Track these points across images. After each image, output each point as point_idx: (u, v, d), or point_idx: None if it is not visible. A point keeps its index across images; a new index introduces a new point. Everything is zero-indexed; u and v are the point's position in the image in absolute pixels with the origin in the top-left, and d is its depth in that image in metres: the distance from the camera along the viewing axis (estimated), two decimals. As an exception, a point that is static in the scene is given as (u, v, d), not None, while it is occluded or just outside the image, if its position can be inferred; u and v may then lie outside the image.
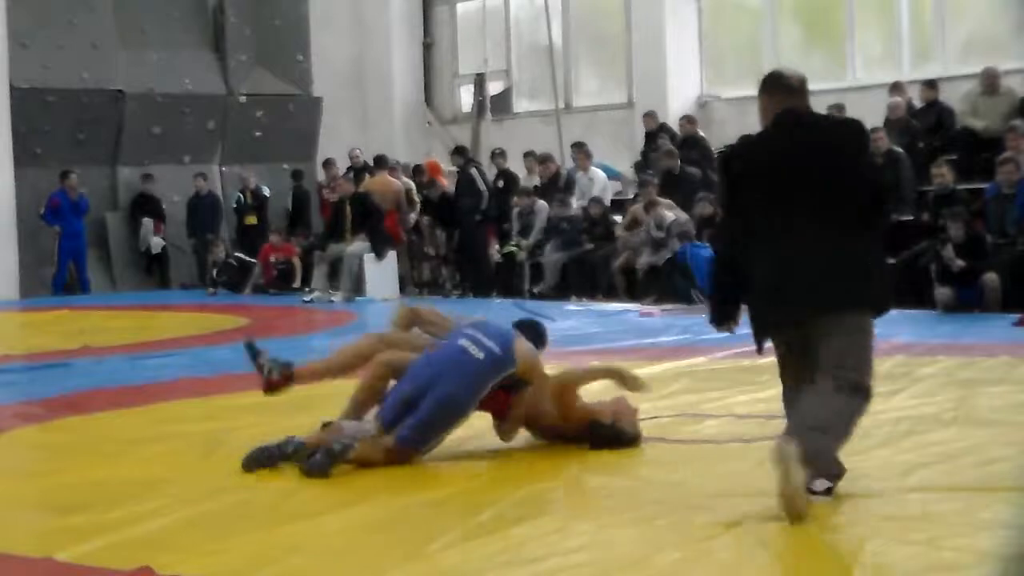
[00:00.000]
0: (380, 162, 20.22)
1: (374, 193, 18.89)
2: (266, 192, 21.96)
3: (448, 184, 19.84)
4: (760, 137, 5.74)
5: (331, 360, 7.13)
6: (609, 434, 6.72)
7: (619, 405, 6.88)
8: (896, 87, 17.46)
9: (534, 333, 6.96)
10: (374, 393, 6.77)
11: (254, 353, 6.99)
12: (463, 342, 6.60)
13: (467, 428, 7.24)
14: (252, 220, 21.67)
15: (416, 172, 20.36)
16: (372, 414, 6.67)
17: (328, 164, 21.75)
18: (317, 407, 7.23)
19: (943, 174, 14.56)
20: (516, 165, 20.03)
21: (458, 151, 20.01)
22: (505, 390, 6.62)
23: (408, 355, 6.80)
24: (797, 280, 5.50)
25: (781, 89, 5.69)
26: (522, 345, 6.68)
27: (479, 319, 7.07)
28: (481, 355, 6.53)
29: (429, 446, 6.49)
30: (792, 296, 5.52)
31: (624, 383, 6.94)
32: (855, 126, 5.76)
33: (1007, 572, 4.27)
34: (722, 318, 5.82)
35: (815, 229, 5.47)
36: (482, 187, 18.75)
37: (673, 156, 17.97)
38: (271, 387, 6.96)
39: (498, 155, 19.96)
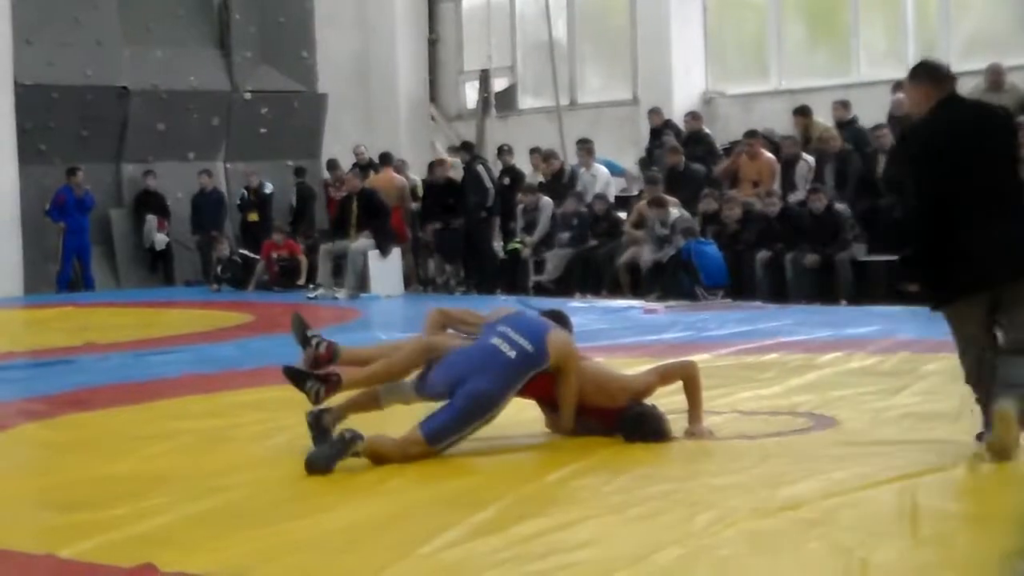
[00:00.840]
0: (385, 159, 20.22)
1: (379, 190, 18.91)
2: (268, 189, 21.95)
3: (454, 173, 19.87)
4: (934, 120, 6.26)
5: (376, 367, 6.77)
6: (649, 416, 6.73)
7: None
8: (900, 85, 17.43)
9: (562, 321, 6.99)
10: (404, 375, 6.79)
11: (303, 326, 6.81)
12: (495, 340, 6.62)
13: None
14: (254, 217, 21.68)
15: (431, 168, 20.27)
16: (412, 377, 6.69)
17: (332, 164, 21.74)
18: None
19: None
20: (521, 162, 20.04)
21: (464, 147, 20.01)
22: (545, 374, 6.66)
23: (449, 343, 6.83)
24: (993, 247, 6.05)
25: (941, 78, 6.34)
26: (556, 337, 6.71)
27: (511, 312, 7.06)
28: (513, 353, 6.56)
29: (452, 441, 6.47)
30: (991, 262, 6.05)
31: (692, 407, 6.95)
32: (1007, 113, 6.65)
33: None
34: (939, 284, 6.25)
35: (996, 202, 6.11)
36: (488, 184, 18.74)
37: (678, 152, 17.97)
38: (317, 361, 6.63)
39: (505, 152, 19.96)
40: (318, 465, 6.17)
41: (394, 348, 6.96)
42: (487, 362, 6.54)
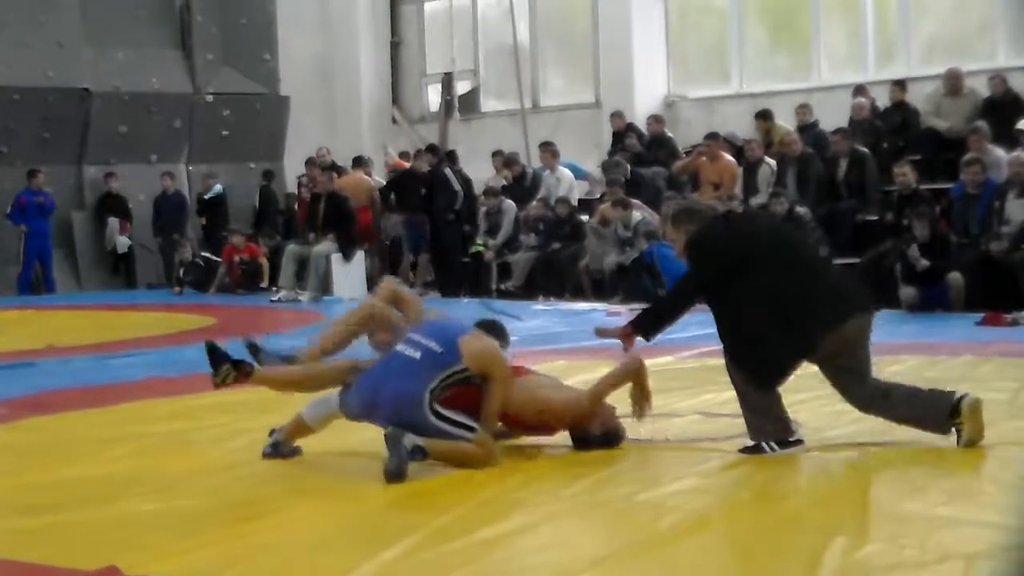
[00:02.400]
0: (357, 162, 20.21)
1: (347, 191, 18.90)
2: (214, 192, 21.75)
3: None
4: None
5: (294, 371, 6.82)
6: (597, 443, 6.72)
7: (602, 408, 6.87)
8: (860, 89, 17.57)
9: (494, 331, 6.92)
10: (350, 336, 6.92)
11: (254, 350, 6.80)
12: (400, 347, 6.55)
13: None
14: (203, 220, 21.64)
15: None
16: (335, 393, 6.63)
17: (311, 162, 21.54)
18: (285, 407, 7.20)
19: (905, 173, 14.64)
20: (484, 165, 20.05)
21: (430, 150, 20.01)
22: (475, 386, 6.62)
23: (394, 313, 6.92)
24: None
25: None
26: (471, 340, 6.60)
27: (433, 318, 6.97)
28: (417, 354, 6.46)
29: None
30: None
31: (638, 397, 6.91)
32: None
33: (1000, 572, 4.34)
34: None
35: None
36: (456, 187, 18.75)
37: (637, 156, 18.07)
38: (236, 380, 6.56)
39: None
40: (395, 476, 6.05)
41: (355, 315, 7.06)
42: (393, 368, 6.44)
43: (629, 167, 18.01)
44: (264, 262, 19.98)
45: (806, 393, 7.39)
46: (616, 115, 19.92)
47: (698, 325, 12.71)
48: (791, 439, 6.46)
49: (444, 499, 5.68)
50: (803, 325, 6.37)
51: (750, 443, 6.48)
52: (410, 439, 6.09)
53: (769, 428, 6.44)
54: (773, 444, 6.40)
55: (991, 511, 5.19)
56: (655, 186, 17.74)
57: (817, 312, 6.39)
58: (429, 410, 6.33)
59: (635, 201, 16.79)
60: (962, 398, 6.33)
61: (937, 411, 6.37)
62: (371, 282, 18.82)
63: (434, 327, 6.70)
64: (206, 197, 21.74)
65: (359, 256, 18.65)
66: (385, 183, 20.16)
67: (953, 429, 6.34)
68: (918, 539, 4.79)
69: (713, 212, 7.15)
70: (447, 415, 6.36)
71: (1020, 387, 8.19)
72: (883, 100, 17.22)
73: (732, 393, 8.12)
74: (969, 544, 4.68)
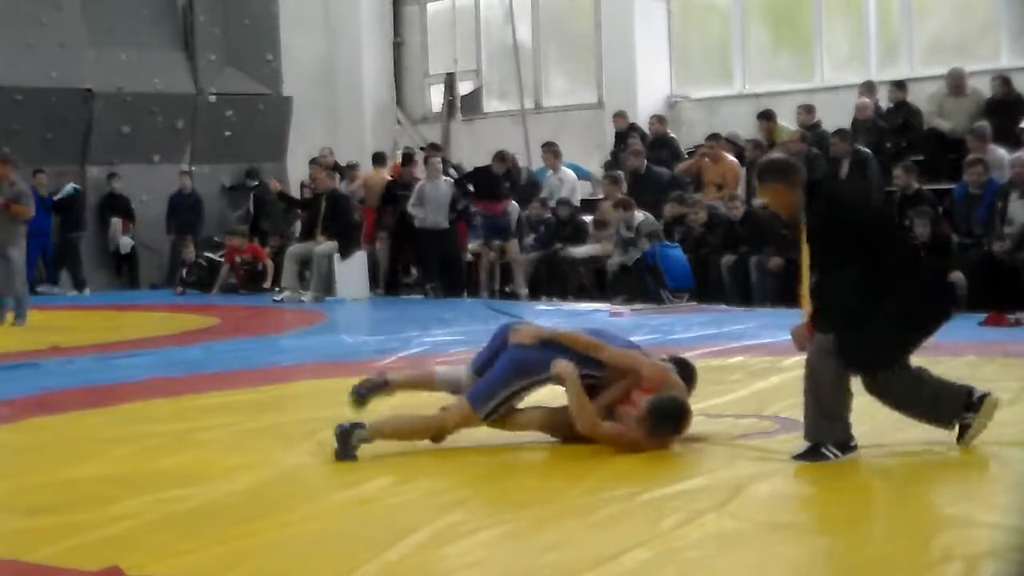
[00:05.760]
0: (377, 159, 20.19)
1: (369, 189, 18.93)
2: (68, 191, 21.28)
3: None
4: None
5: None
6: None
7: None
8: (868, 87, 17.55)
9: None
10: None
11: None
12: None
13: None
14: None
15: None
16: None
17: (315, 161, 21.45)
18: (285, 407, 7.22)
19: (900, 175, 14.63)
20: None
21: (433, 149, 19.98)
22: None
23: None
24: None
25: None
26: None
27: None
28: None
29: (495, 403, 6.65)
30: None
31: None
32: None
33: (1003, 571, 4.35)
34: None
35: None
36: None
37: (640, 155, 17.99)
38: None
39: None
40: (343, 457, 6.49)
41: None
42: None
43: (646, 162, 17.93)
44: (269, 263, 19.98)
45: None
46: (619, 115, 19.91)
47: (700, 326, 12.77)
48: (851, 443, 6.22)
49: (445, 499, 5.69)
50: (928, 310, 6.26)
51: (804, 447, 6.21)
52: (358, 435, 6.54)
53: (839, 429, 6.19)
54: (835, 450, 6.16)
55: (993, 511, 5.19)
56: (659, 184, 17.69)
57: (935, 301, 6.35)
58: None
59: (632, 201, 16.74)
60: (985, 395, 6.26)
61: (952, 404, 6.29)
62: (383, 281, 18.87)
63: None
64: (56, 199, 21.44)
65: (360, 256, 18.63)
66: (460, 176, 19.91)
67: (957, 424, 6.30)
68: (920, 539, 4.80)
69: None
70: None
71: (1023, 387, 8.18)
72: (884, 100, 17.21)
73: (734, 395, 8.13)
74: (971, 544, 4.68)
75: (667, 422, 6.55)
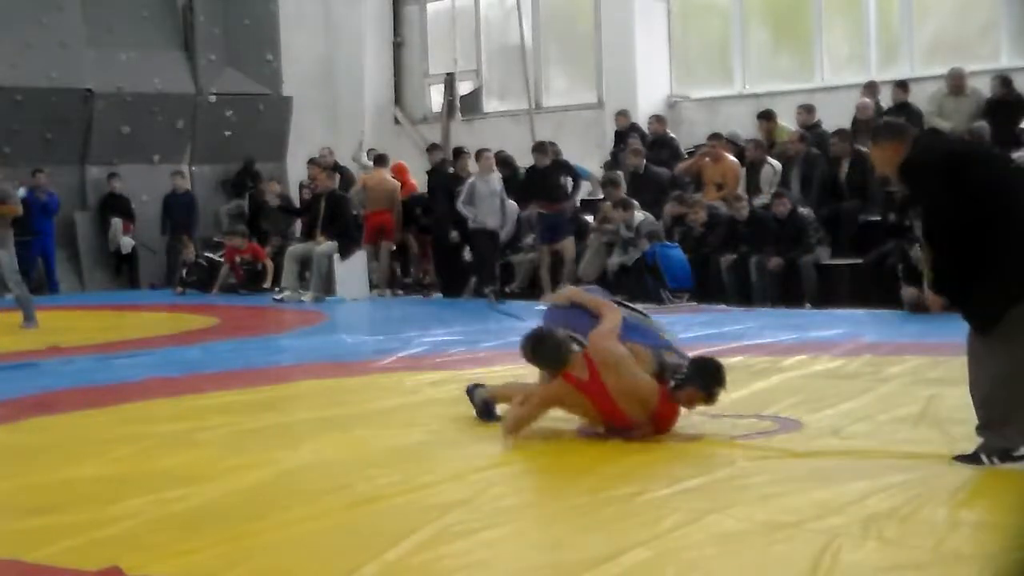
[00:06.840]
0: (380, 160, 20.17)
1: (370, 189, 18.90)
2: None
3: (418, 186, 19.87)
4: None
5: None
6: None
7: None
8: (870, 87, 17.55)
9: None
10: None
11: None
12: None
13: (430, 433, 7.28)
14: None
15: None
16: None
17: (313, 161, 21.42)
18: (285, 407, 7.23)
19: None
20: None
21: (434, 149, 19.96)
22: (610, 400, 6.92)
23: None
24: None
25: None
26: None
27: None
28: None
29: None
30: None
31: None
32: None
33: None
34: None
35: None
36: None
37: (639, 154, 17.96)
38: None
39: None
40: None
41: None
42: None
43: (645, 161, 17.88)
44: (269, 263, 19.97)
45: (800, 395, 7.37)
46: (620, 114, 19.90)
47: (700, 326, 12.77)
48: (1016, 453, 5.94)
49: (446, 499, 5.68)
50: None
51: (970, 450, 6.07)
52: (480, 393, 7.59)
53: (1004, 436, 5.95)
54: (994, 457, 5.95)
55: (994, 512, 5.19)
56: (659, 183, 17.68)
57: None
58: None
59: (634, 201, 16.72)
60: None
61: (1008, 434, 5.95)
62: (387, 281, 18.84)
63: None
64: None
65: (361, 257, 18.63)
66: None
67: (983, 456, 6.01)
68: (921, 539, 4.79)
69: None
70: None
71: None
72: (886, 100, 17.21)
73: (736, 394, 8.12)
74: (979, 545, 4.68)
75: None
